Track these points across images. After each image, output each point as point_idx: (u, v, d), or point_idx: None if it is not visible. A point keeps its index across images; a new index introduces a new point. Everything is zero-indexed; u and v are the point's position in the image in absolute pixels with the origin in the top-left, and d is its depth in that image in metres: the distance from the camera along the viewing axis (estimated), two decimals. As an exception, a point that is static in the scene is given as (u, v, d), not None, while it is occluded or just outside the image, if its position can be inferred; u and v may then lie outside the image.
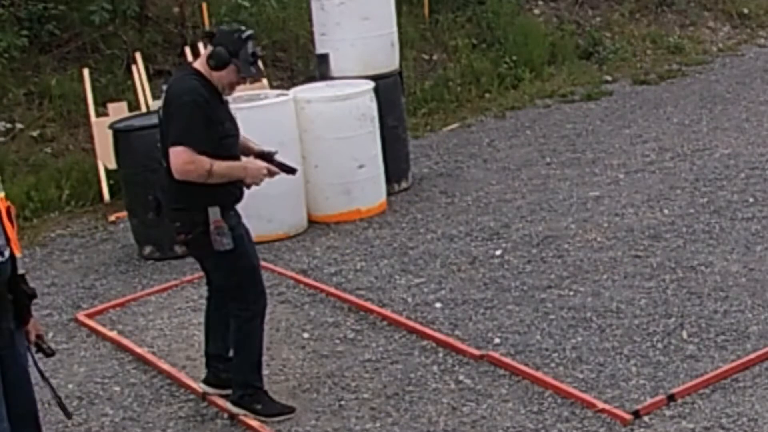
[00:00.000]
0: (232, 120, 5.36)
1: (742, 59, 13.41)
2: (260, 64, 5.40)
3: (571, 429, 5.18)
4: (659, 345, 5.91)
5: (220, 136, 5.18)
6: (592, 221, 7.93)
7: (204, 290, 5.88)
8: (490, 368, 5.84)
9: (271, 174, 5.37)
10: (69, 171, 9.60)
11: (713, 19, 14.83)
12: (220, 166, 5.13)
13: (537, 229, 7.88)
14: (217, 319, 5.61)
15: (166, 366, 6.17)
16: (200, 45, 10.40)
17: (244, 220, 5.46)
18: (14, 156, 9.89)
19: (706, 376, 5.49)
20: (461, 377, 5.78)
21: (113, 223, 8.96)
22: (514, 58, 12.61)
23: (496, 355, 5.93)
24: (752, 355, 5.67)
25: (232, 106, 5.52)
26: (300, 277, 7.32)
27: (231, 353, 5.57)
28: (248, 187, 5.33)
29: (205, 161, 5.08)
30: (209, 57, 5.18)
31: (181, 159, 5.07)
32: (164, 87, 5.32)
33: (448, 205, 8.65)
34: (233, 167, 5.22)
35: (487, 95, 12.17)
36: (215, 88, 5.23)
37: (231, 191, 5.29)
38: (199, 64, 5.26)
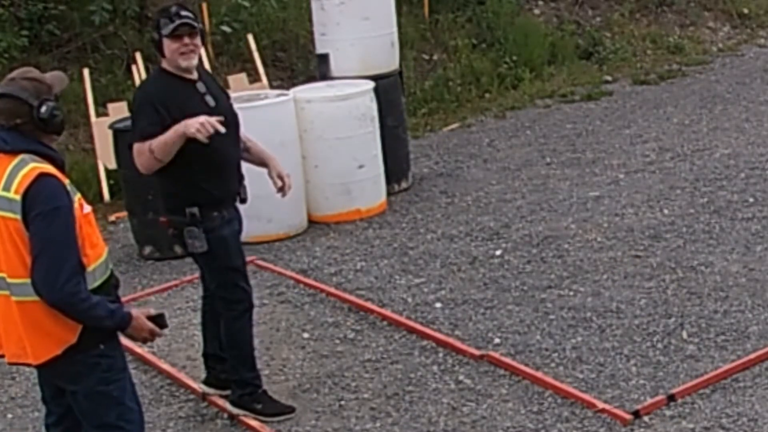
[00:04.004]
0: (212, 109, 5.26)
1: (742, 59, 13.41)
2: (185, 14, 5.22)
3: (571, 429, 5.18)
4: (659, 345, 5.91)
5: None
6: (592, 221, 7.93)
7: (204, 290, 5.88)
8: (490, 368, 5.84)
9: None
10: (69, 171, 9.45)
11: (713, 19, 14.83)
12: (157, 140, 5.06)
13: (537, 229, 7.88)
14: (211, 318, 5.62)
15: (166, 366, 6.18)
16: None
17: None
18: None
19: (706, 376, 5.50)
20: (461, 377, 5.78)
21: (113, 223, 8.97)
22: (514, 58, 12.61)
23: (496, 355, 5.93)
24: (752, 355, 5.67)
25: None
26: (300, 277, 7.32)
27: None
28: (203, 139, 5.06)
29: (143, 146, 5.09)
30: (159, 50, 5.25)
31: (135, 159, 5.17)
32: None
33: (448, 205, 8.65)
34: (168, 135, 5.05)
35: (487, 95, 12.17)
36: (181, 77, 5.22)
37: (209, 191, 5.22)
38: (163, 62, 5.30)
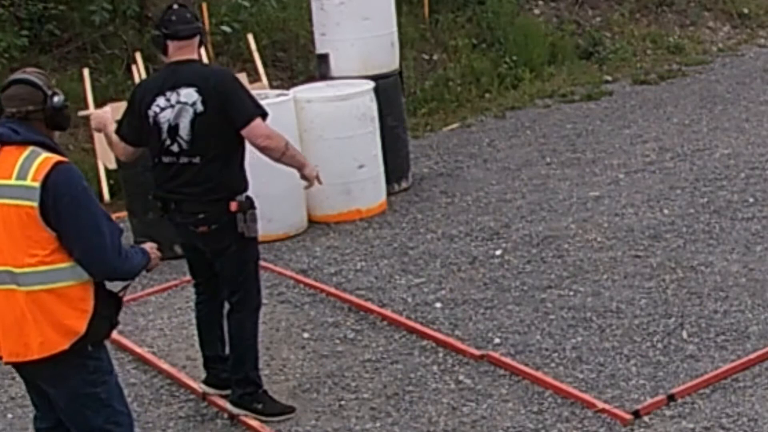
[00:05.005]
0: None
1: (742, 59, 13.41)
2: None
3: (571, 429, 5.18)
4: (659, 345, 5.91)
5: None
6: (592, 221, 7.93)
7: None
8: (490, 368, 5.84)
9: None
10: (69, 171, 9.59)
11: (713, 19, 14.84)
12: (294, 149, 5.47)
13: (537, 229, 7.88)
14: (212, 320, 5.62)
15: (166, 366, 6.18)
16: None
17: None
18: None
19: (706, 376, 5.50)
20: (461, 377, 5.78)
21: (113, 223, 8.96)
22: (514, 58, 12.61)
23: (496, 355, 5.94)
24: (752, 355, 5.67)
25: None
26: (300, 277, 7.32)
27: (227, 351, 5.58)
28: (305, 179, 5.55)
29: (275, 131, 5.35)
30: (202, 42, 5.39)
31: (266, 131, 5.28)
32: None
33: (448, 205, 8.65)
34: (299, 157, 5.52)
35: (487, 95, 12.17)
36: None
37: (248, 181, 5.38)
38: (193, 54, 5.33)
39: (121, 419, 4.25)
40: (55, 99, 4.07)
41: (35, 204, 3.95)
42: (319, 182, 5.62)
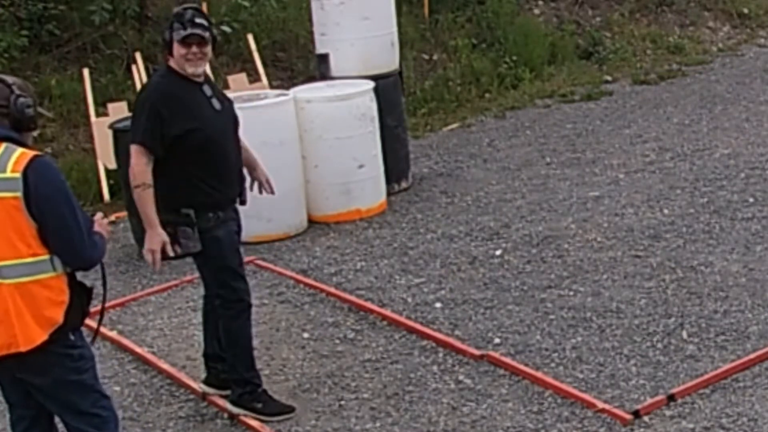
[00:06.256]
0: (218, 112, 5.34)
1: (742, 59, 13.41)
2: (199, 23, 5.34)
3: (571, 429, 5.18)
4: (659, 345, 5.92)
5: (187, 129, 5.16)
6: (592, 221, 7.93)
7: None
8: (490, 368, 5.84)
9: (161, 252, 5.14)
10: (69, 171, 9.59)
11: (713, 19, 14.83)
12: (144, 198, 5.10)
13: (537, 229, 7.88)
14: (212, 318, 5.62)
15: (166, 366, 6.18)
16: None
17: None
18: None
19: (706, 376, 5.50)
20: (461, 377, 5.78)
21: (113, 223, 8.96)
22: (514, 58, 12.61)
23: (496, 355, 5.94)
24: (752, 355, 5.67)
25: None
26: (300, 277, 7.32)
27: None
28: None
29: (142, 160, 5.10)
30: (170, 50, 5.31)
31: (131, 160, 5.15)
32: None
33: (448, 205, 8.65)
34: (148, 212, 5.11)
35: (487, 95, 12.17)
36: (188, 78, 5.26)
37: (207, 194, 5.23)
38: (171, 60, 5.33)
39: (107, 403, 4.37)
40: (20, 100, 4.11)
41: (19, 194, 4.01)
42: (157, 262, 5.14)
